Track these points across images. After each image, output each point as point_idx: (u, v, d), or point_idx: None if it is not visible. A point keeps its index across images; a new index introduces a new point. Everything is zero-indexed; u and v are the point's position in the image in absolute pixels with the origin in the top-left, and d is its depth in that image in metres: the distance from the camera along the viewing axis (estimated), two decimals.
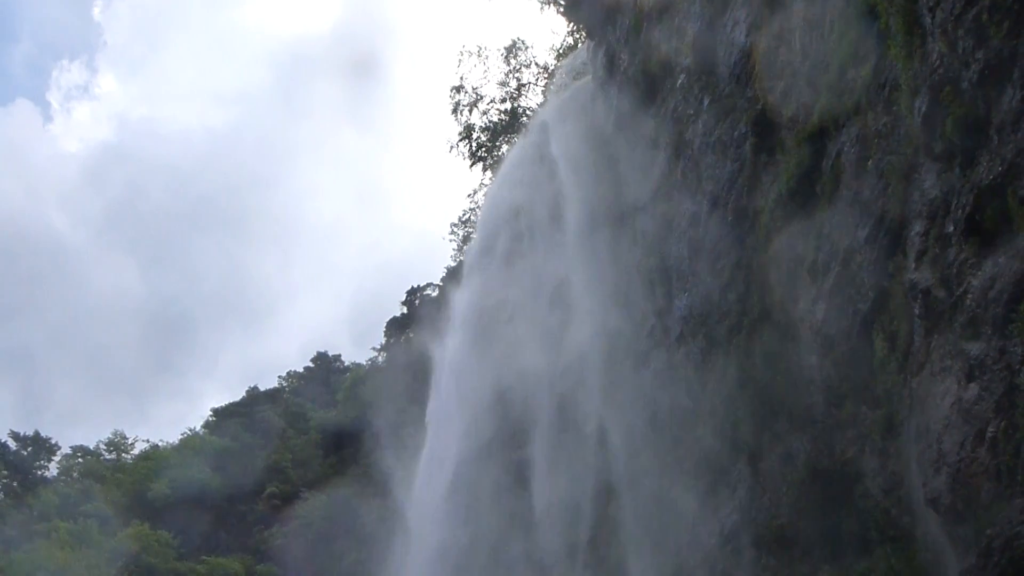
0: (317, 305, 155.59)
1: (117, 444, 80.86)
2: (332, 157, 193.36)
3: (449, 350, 34.28)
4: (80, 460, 79.38)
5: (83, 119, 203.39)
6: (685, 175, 18.35)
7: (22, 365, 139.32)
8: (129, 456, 79.92)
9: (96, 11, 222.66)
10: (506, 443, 29.04)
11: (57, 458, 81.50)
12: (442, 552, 29.68)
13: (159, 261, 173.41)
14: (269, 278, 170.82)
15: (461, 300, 35.01)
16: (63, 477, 77.96)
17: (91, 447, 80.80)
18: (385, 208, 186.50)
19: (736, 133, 15.94)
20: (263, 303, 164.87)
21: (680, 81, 18.82)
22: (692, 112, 18.14)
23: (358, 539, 47.76)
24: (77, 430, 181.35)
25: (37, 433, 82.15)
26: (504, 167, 39.48)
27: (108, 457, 79.82)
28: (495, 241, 33.86)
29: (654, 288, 20.41)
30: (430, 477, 32.59)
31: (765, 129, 14.83)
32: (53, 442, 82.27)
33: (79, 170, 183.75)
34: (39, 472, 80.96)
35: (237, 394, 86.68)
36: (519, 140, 40.60)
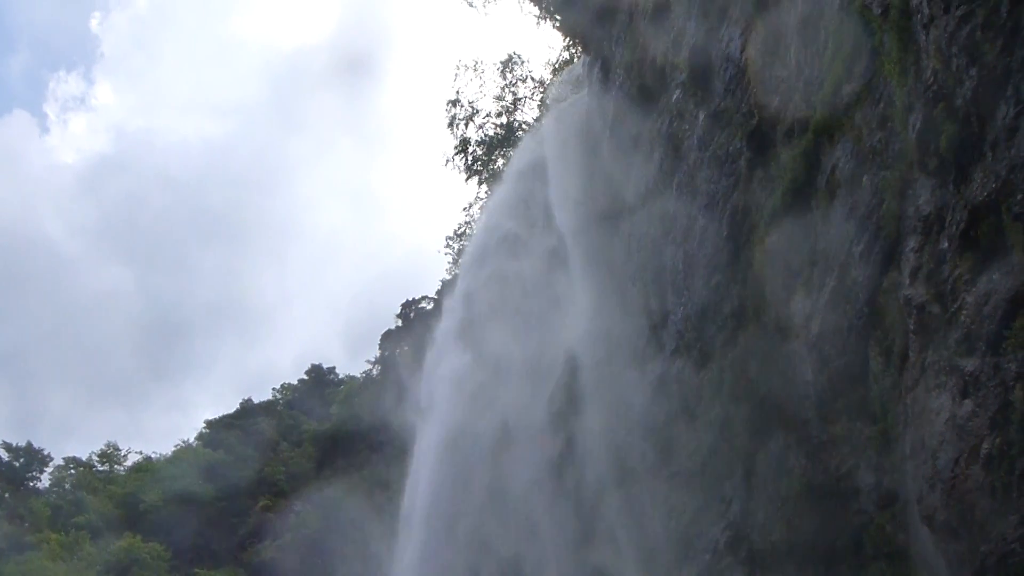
0: (313, 317, 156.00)
1: (110, 455, 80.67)
2: (330, 169, 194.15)
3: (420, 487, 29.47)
4: (72, 471, 79.15)
5: (80, 130, 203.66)
6: (680, 188, 18.39)
7: (17, 375, 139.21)
8: (122, 467, 79.74)
9: (94, 22, 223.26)
10: None
11: (49, 469, 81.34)
12: None
13: (156, 272, 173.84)
14: (266, 289, 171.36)
15: (430, 427, 30.08)
16: (55, 488, 77.76)
17: (83, 458, 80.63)
18: (382, 220, 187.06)
19: (731, 147, 15.99)
20: (259, 314, 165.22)
21: (675, 95, 18.87)
22: (687, 126, 18.19)
23: (351, 552, 47.61)
24: (71, 441, 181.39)
25: (29, 444, 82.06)
26: (484, 223, 35.90)
27: (100, 468, 79.61)
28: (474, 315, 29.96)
29: (649, 300, 20.42)
30: None
31: (760, 143, 14.87)
32: (45, 453, 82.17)
33: (76, 181, 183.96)
34: (31, 483, 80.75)
35: (233, 405, 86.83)
36: (497, 190, 37.24)
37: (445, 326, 33.40)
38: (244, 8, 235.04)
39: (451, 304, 34.11)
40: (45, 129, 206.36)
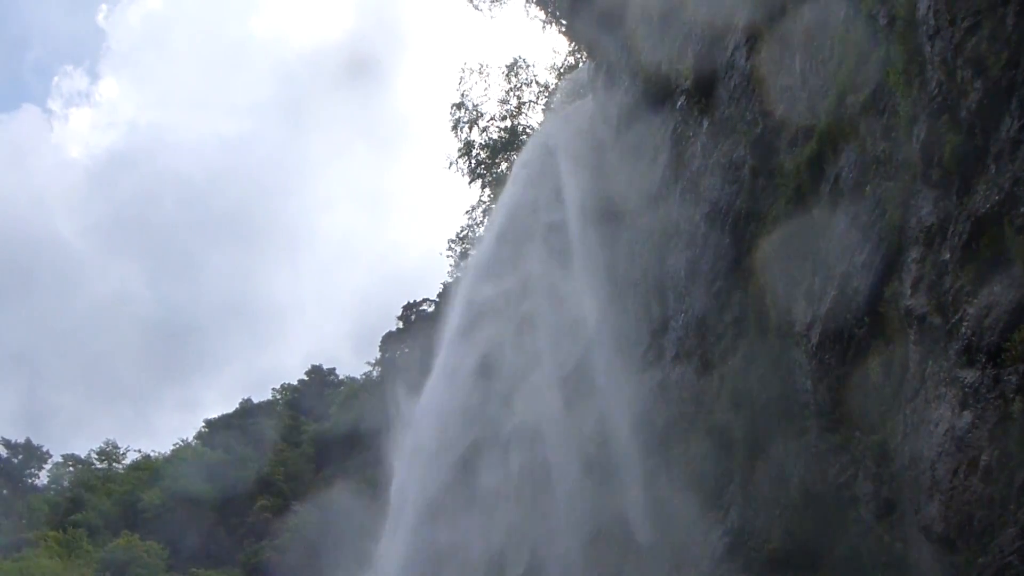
0: (323, 318, 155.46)
1: (108, 453, 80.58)
2: (342, 170, 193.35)
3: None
4: (71, 469, 79.13)
5: (84, 125, 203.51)
6: (684, 196, 18.40)
7: (25, 373, 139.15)
8: (120, 466, 79.66)
9: (100, 17, 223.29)
10: None
11: (48, 466, 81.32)
12: None
13: (165, 270, 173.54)
14: (276, 290, 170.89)
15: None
16: (53, 485, 77.76)
17: (82, 456, 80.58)
18: (394, 222, 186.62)
19: (735, 155, 16.00)
20: (269, 315, 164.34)
21: (680, 102, 18.89)
22: (691, 134, 18.21)
23: (349, 553, 47.52)
24: (78, 439, 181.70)
25: (28, 440, 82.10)
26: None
27: (99, 466, 79.53)
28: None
29: (651, 305, 20.43)
30: None
31: (764, 152, 14.88)
32: (44, 450, 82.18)
33: (83, 176, 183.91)
34: (30, 480, 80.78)
35: (235, 405, 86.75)
36: (503, 192, 35.87)
37: (448, 326, 32.73)
38: (255, 7, 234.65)
39: (454, 306, 33.69)
40: (51, 124, 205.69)
